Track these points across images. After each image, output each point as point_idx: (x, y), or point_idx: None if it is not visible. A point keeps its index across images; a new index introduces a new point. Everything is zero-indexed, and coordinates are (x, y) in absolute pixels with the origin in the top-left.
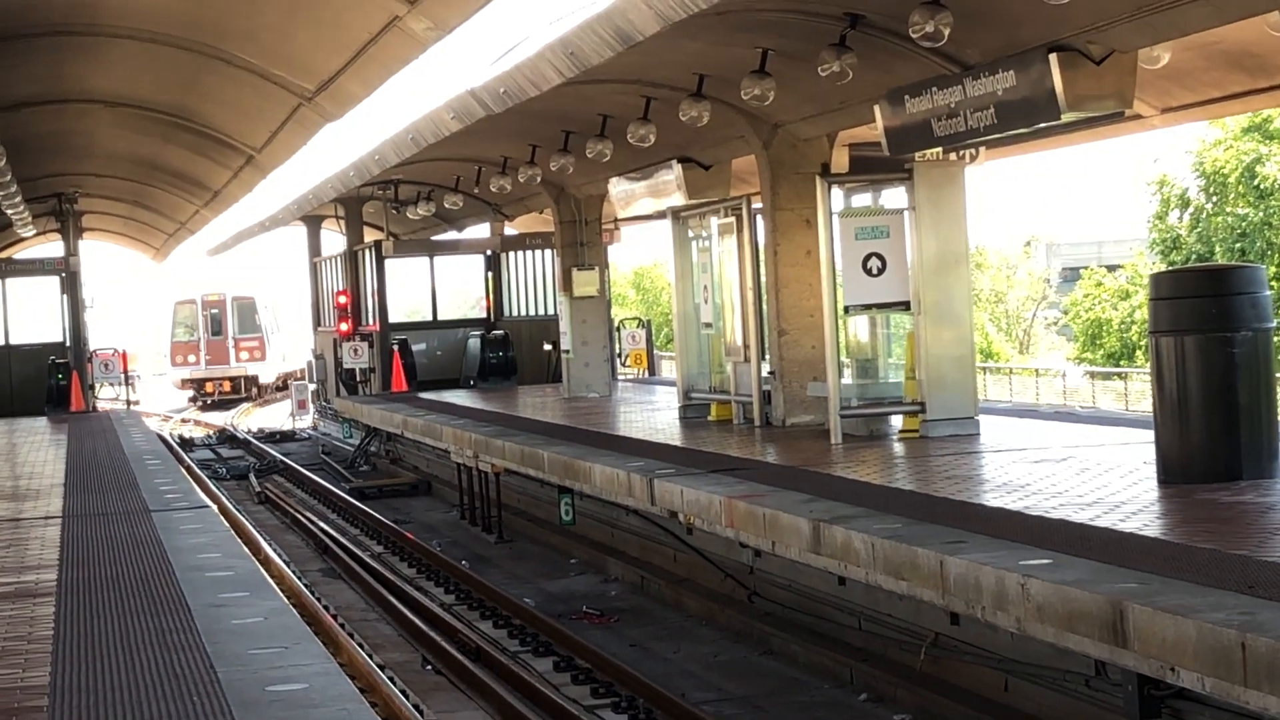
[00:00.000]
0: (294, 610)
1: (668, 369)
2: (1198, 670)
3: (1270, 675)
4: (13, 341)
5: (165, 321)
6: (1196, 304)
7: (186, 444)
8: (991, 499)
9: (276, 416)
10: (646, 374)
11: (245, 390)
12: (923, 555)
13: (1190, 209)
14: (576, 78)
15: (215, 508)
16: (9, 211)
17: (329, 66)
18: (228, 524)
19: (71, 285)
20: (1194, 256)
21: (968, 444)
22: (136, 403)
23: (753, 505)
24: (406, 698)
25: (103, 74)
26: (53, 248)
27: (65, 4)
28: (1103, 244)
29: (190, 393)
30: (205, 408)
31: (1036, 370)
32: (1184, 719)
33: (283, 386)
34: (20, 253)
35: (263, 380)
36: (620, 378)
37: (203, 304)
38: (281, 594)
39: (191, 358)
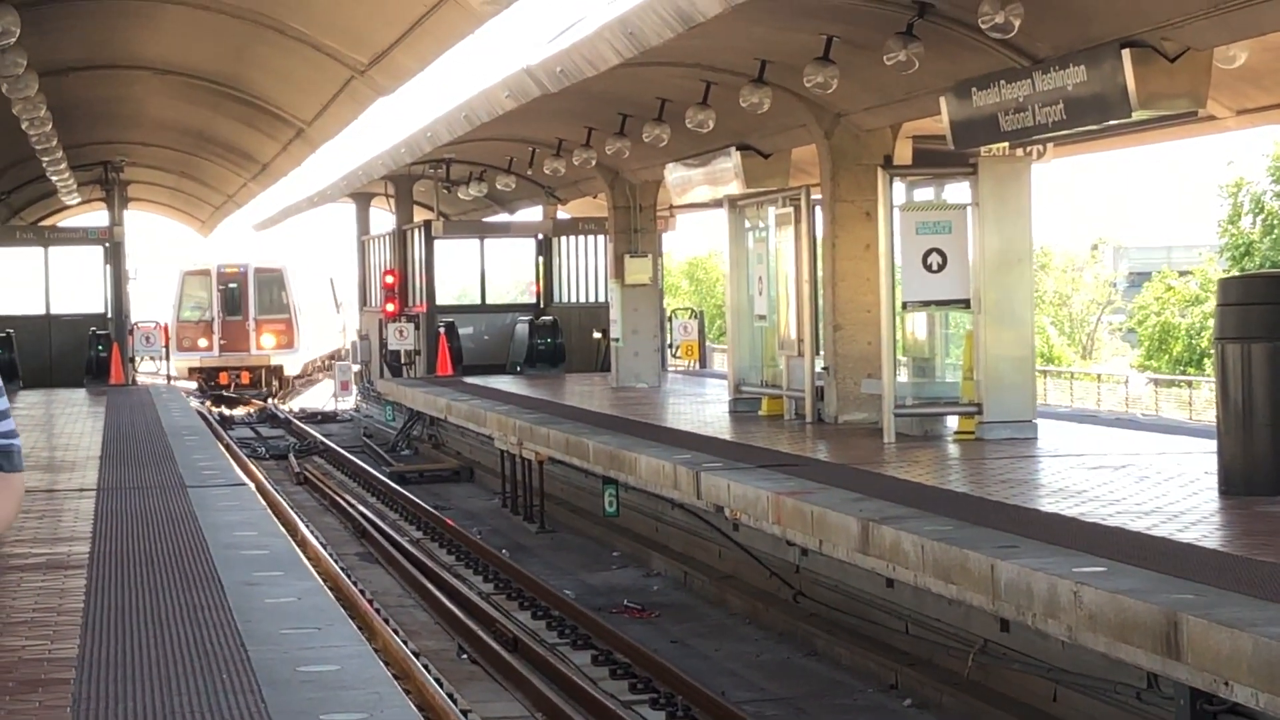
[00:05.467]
0: (328, 591)
1: (719, 361)
2: (1253, 685)
3: None
4: (54, 311)
5: (171, 296)
6: (1265, 311)
7: (226, 421)
8: (1046, 504)
9: (319, 397)
10: (697, 366)
11: (266, 383)
12: (974, 559)
13: (1264, 214)
14: (635, 59)
15: (253, 486)
16: (54, 178)
17: (382, 39)
18: (264, 503)
19: (115, 256)
20: (1267, 263)
21: (1024, 448)
22: (177, 377)
23: (801, 502)
24: (441, 686)
25: (153, 40)
26: (97, 217)
27: None
28: (1172, 249)
29: (196, 385)
30: (216, 404)
31: (1099, 376)
32: None
33: (313, 371)
34: (64, 221)
35: (288, 372)
36: (670, 369)
37: (218, 276)
38: (316, 575)
39: (202, 342)
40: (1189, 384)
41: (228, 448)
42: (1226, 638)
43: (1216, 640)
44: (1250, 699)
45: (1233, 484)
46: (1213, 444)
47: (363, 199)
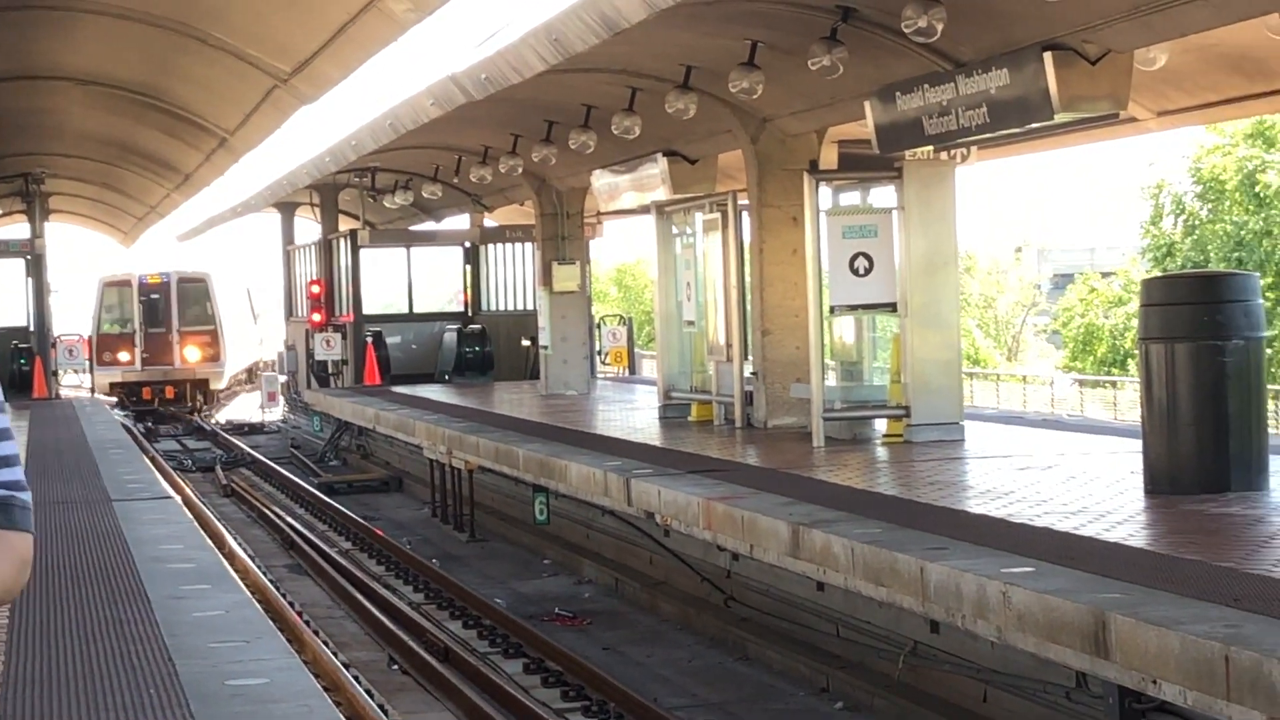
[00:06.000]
0: (256, 604)
1: (648, 368)
2: (1180, 683)
3: (1254, 689)
4: None
5: (90, 307)
6: (1189, 311)
7: (151, 434)
8: (974, 506)
9: (245, 409)
10: (626, 372)
11: (191, 399)
12: (903, 561)
13: (1185, 215)
14: (560, 66)
15: (179, 499)
16: None
17: (305, 48)
18: (191, 516)
19: (37, 268)
20: (1188, 264)
21: (952, 450)
22: (98, 393)
23: (731, 507)
24: (372, 697)
25: (74, 51)
26: (18, 229)
27: None
28: (1095, 250)
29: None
30: (139, 419)
31: (1024, 377)
32: None
33: (233, 385)
34: None
35: (214, 386)
36: (600, 376)
37: (139, 286)
38: (245, 588)
39: (123, 355)
40: (1113, 384)
41: (153, 460)
42: (1154, 636)
43: (1144, 639)
44: (1178, 697)
45: (1158, 483)
46: (1137, 444)
47: (287, 208)
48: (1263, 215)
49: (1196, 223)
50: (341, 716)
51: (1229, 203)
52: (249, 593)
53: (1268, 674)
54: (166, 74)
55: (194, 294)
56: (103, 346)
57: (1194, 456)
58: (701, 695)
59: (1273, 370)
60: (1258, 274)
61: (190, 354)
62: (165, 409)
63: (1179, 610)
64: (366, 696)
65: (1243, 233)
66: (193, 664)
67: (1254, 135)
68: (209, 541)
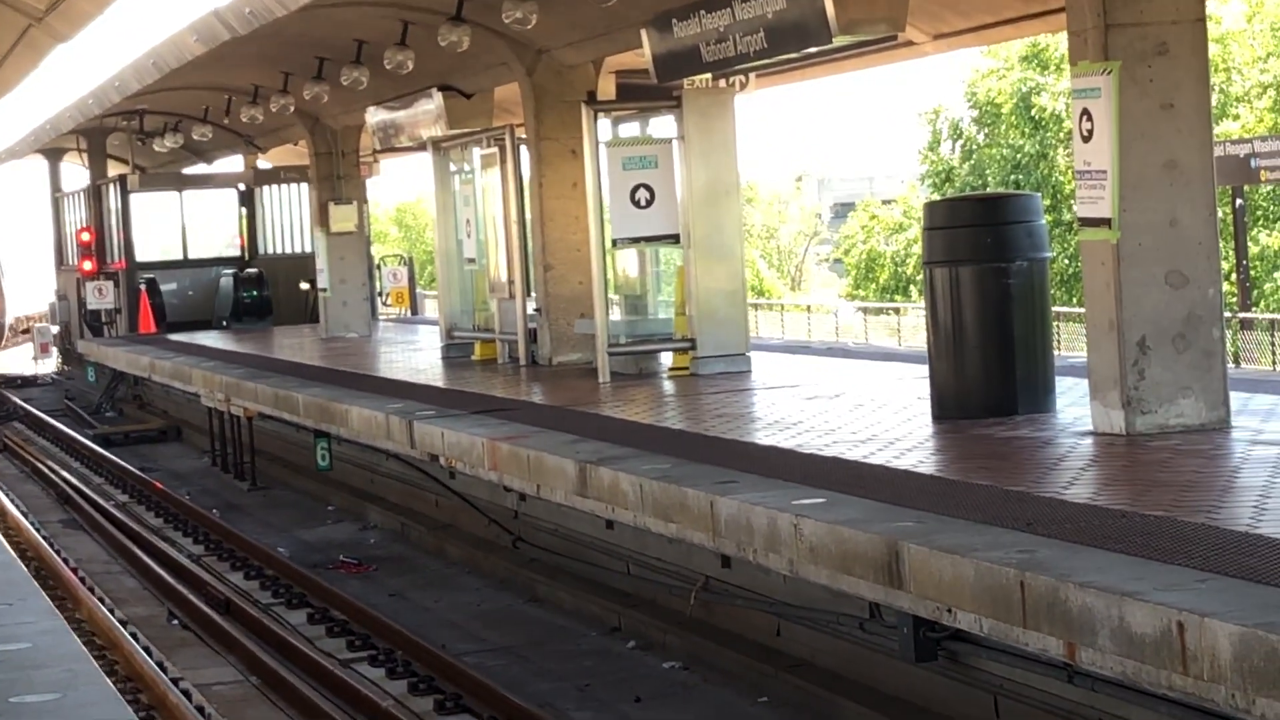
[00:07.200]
0: (20, 563)
1: (431, 308)
2: (975, 611)
3: (1050, 615)
4: None
5: None
6: (972, 233)
7: None
8: (763, 437)
9: (17, 361)
10: (409, 313)
11: None
12: (693, 496)
13: (962, 140)
14: None
15: None
16: None
17: None
18: None
19: None
20: (967, 188)
21: (739, 381)
22: None
23: (517, 447)
24: (150, 654)
25: None
26: None
27: None
28: (874, 179)
29: None
30: None
31: (808, 307)
32: (960, 661)
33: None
34: None
35: None
36: (381, 318)
37: None
38: (9, 547)
39: None
40: (896, 311)
41: None
42: (948, 564)
43: (938, 567)
44: (973, 624)
45: (946, 408)
46: (923, 369)
47: (54, 155)
48: (1038, 138)
49: (974, 147)
50: (108, 681)
51: (1005, 126)
52: (13, 551)
53: (1063, 599)
54: None
55: None
56: None
57: (981, 380)
58: (491, 639)
59: (1054, 292)
60: (1039, 195)
61: None
62: None
63: (972, 537)
64: (144, 654)
65: (1019, 156)
66: None
67: (1028, 58)
68: None
